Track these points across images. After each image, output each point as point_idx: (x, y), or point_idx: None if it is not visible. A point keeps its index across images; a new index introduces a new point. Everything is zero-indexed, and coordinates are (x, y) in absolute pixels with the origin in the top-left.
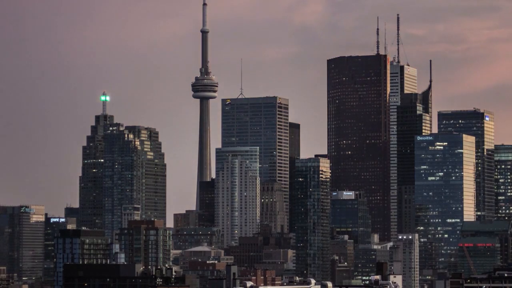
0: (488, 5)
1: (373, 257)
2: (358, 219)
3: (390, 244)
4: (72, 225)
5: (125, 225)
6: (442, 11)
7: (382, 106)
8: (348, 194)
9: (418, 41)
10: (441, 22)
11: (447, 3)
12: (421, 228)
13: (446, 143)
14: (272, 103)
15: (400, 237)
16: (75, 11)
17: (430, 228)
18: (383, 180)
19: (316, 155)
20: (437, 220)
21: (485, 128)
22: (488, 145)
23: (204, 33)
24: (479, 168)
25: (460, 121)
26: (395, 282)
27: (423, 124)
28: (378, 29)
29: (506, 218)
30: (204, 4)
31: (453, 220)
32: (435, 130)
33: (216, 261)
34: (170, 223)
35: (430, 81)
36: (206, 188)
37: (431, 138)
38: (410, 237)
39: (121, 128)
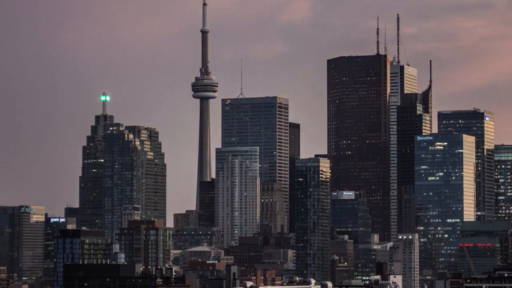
0: (481, 3)
1: (373, 257)
2: (358, 219)
3: (390, 244)
4: (72, 225)
5: (125, 225)
6: (434, 9)
7: (382, 106)
8: (348, 194)
9: (410, 39)
10: (433, 20)
11: (439, 1)
12: (421, 228)
13: (446, 143)
14: (272, 103)
15: (400, 237)
16: (75, 11)
17: (430, 228)
18: (383, 180)
19: (316, 155)
20: (437, 220)
21: (485, 128)
22: (488, 145)
23: (204, 33)
24: (479, 168)
25: (460, 121)
26: (395, 282)
27: (423, 124)
28: (378, 29)
29: (506, 218)
30: (204, 4)
31: (453, 220)
32: (435, 130)
33: (216, 261)
34: (170, 223)
35: (430, 81)
36: (206, 188)
37: (431, 138)
38: (410, 237)
39: (121, 128)
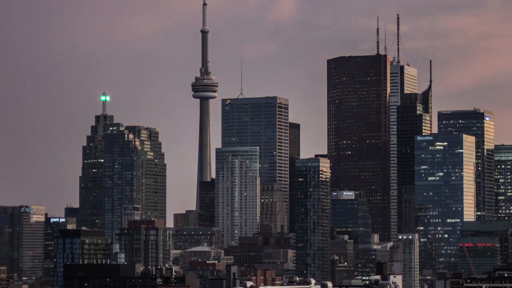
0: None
1: (373, 257)
2: (358, 219)
3: (390, 244)
4: (72, 225)
5: (125, 225)
6: (426, 6)
7: (382, 106)
8: (348, 194)
9: (402, 37)
10: (425, 18)
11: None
12: (421, 228)
13: (446, 143)
14: (272, 103)
15: (400, 237)
16: (75, 11)
17: (430, 228)
18: (383, 180)
19: (316, 155)
20: (437, 220)
21: (485, 128)
22: (488, 145)
23: (204, 33)
24: (479, 168)
25: (460, 121)
26: (395, 282)
27: (423, 124)
28: (378, 29)
29: (506, 218)
30: (204, 4)
31: (453, 220)
32: (435, 130)
33: (216, 261)
34: (170, 223)
35: (430, 81)
36: (206, 188)
37: (431, 138)
38: (410, 237)
39: (121, 128)
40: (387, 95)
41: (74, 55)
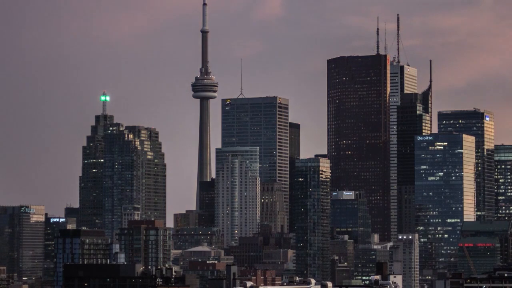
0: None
1: (373, 257)
2: (358, 219)
3: (390, 244)
4: (72, 225)
5: (125, 225)
6: (418, 5)
7: (382, 106)
8: (348, 194)
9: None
10: (417, 15)
11: None
12: (421, 228)
13: (446, 143)
14: (272, 103)
15: (400, 237)
16: (75, 11)
17: (430, 228)
18: (383, 180)
19: (316, 155)
20: (437, 220)
21: (485, 128)
22: (488, 145)
23: (204, 33)
24: (479, 168)
25: (460, 121)
26: (395, 282)
27: (423, 124)
28: (378, 29)
29: (506, 218)
30: (204, 4)
31: (453, 220)
32: (435, 130)
33: (216, 261)
34: (170, 223)
35: (430, 81)
36: (206, 188)
37: (431, 138)
38: (410, 237)
39: (121, 128)
40: (387, 95)
41: (74, 55)
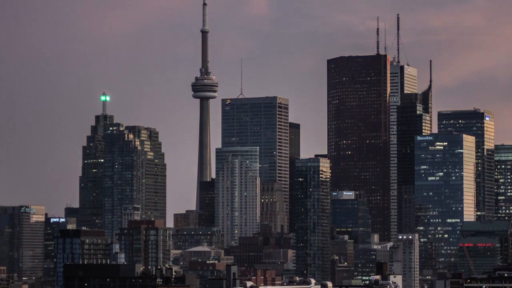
0: None
1: (373, 257)
2: (358, 219)
3: (390, 244)
4: (72, 225)
5: (125, 225)
6: (409, 2)
7: (382, 106)
8: (348, 194)
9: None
10: (409, 13)
11: None
12: (421, 228)
13: (446, 143)
14: (272, 103)
15: (400, 237)
16: (75, 11)
17: (430, 228)
18: (383, 180)
19: (316, 155)
20: (437, 220)
21: (485, 128)
22: (488, 145)
23: (204, 33)
24: (479, 168)
25: (460, 121)
26: (395, 282)
27: (423, 124)
28: (378, 29)
29: (506, 218)
30: (204, 4)
31: (453, 220)
32: (435, 130)
33: (216, 261)
34: (170, 223)
35: (430, 81)
36: (206, 188)
37: (431, 138)
38: (410, 237)
39: (121, 128)
40: (387, 95)
41: (74, 55)
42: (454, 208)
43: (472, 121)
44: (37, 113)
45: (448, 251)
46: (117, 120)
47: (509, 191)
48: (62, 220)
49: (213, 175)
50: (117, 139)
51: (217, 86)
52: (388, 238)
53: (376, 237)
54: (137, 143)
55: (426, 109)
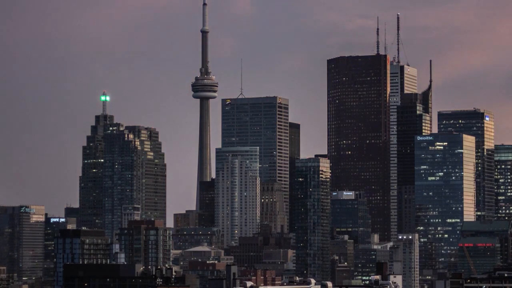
0: None
1: (373, 257)
2: (358, 219)
3: (390, 244)
4: (72, 225)
5: (125, 225)
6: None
7: (382, 106)
8: (348, 194)
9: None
10: (401, 10)
11: None
12: (421, 228)
13: (446, 143)
14: (272, 103)
15: (400, 237)
16: (75, 11)
17: (430, 228)
18: (383, 180)
19: (316, 155)
20: (437, 220)
21: (485, 128)
22: (488, 145)
23: (204, 33)
24: (479, 168)
25: (460, 121)
26: (395, 282)
27: (423, 124)
28: (378, 29)
29: (506, 218)
30: (204, 4)
31: (453, 220)
32: (435, 130)
33: (216, 261)
34: (170, 223)
35: (430, 81)
36: (206, 188)
37: (431, 138)
38: (410, 237)
39: (121, 128)
40: (387, 95)
41: (74, 55)
42: (454, 208)
43: (472, 121)
44: (37, 113)
45: (448, 251)
46: (117, 120)
47: (509, 191)
48: (62, 220)
49: (213, 175)
50: (117, 139)
51: (217, 86)
52: (388, 238)
53: (376, 237)
54: (137, 143)
55: (426, 109)
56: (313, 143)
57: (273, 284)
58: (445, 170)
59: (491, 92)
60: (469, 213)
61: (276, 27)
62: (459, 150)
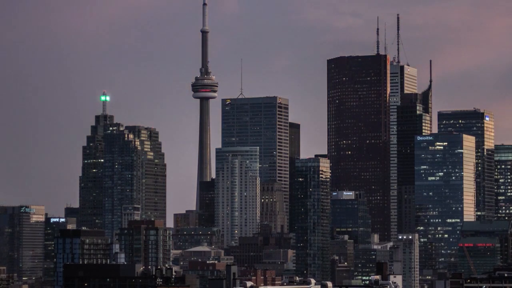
0: None
1: (373, 257)
2: (358, 219)
3: (390, 244)
4: (72, 225)
5: (125, 225)
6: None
7: (382, 106)
8: (348, 194)
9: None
10: (395, 8)
11: None
12: (421, 228)
13: (446, 143)
14: (272, 103)
15: (400, 237)
16: (75, 11)
17: (430, 228)
18: (383, 180)
19: (316, 155)
20: (437, 220)
21: (485, 128)
22: (488, 145)
23: (204, 33)
24: (479, 168)
25: (460, 121)
26: (395, 282)
27: (423, 124)
28: (378, 29)
29: (506, 218)
30: (204, 4)
31: (453, 220)
32: (435, 130)
33: (216, 261)
34: (170, 223)
35: (430, 81)
36: (206, 188)
37: (431, 138)
38: (410, 237)
39: (121, 128)
40: (387, 95)
41: (74, 55)
42: (454, 208)
43: (472, 121)
44: (37, 113)
45: (448, 251)
46: (117, 120)
47: (509, 191)
48: (62, 220)
49: (213, 175)
50: (117, 139)
51: (217, 86)
52: (388, 238)
53: (376, 237)
54: (137, 143)
55: (426, 109)
56: (313, 143)
57: (273, 284)
58: (445, 170)
59: (490, 92)
60: (469, 213)
61: (277, 27)
62: (459, 150)
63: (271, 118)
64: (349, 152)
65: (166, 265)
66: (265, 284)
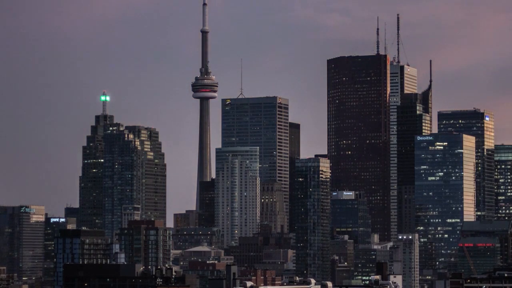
0: None
1: (373, 257)
2: (358, 219)
3: (390, 244)
4: (72, 225)
5: (125, 225)
6: None
7: (382, 106)
8: (348, 194)
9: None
10: (390, 6)
11: None
12: (421, 228)
13: (446, 143)
14: (272, 103)
15: (400, 237)
16: (75, 11)
17: (430, 228)
18: (383, 180)
19: (316, 155)
20: (437, 220)
21: (485, 128)
22: (488, 145)
23: (204, 33)
24: (479, 168)
25: (460, 121)
26: (395, 282)
27: (423, 124)
28: (378, 29)
29: (506, 218)
30: (204, 4)
31: (453, 220)
32: (435, 130)
33: (216, 261)
34: (170, 223)
35: (430, 81)
36: (206, 188)
37: (431, 138)
38: (410, 237)
39: (121, 128)
40: (387, 95)
41: (75, 55)
42: (454, 208)
43: (472, 121)
44: (37, 113)
45: (448, 251)
46: (117, 120)
47: (509, 191)
48: (62, 220)
49: (213, 175)
50: (117, 139)
51: (217, 86)
52: (388, 238)
53: (376, 237)
54: (137, 143)
55: (426, 109)
56: (313, 143)
57: (273, 284)
58: (445, 170)
59: (490, 92)
60: (469, 213)
61: (277, 27)
62: (459, 150)
63: (271, 118)
64: (349, 152)
65: (166, 265)
66: (265, 284)
